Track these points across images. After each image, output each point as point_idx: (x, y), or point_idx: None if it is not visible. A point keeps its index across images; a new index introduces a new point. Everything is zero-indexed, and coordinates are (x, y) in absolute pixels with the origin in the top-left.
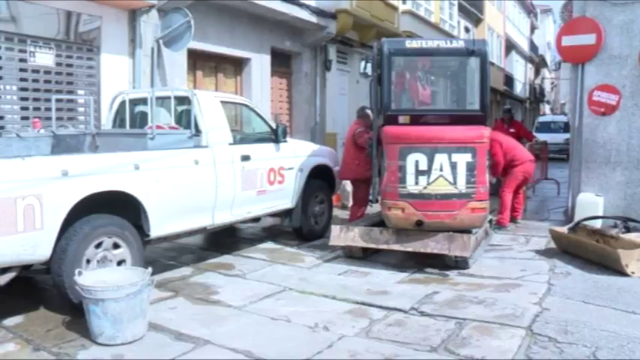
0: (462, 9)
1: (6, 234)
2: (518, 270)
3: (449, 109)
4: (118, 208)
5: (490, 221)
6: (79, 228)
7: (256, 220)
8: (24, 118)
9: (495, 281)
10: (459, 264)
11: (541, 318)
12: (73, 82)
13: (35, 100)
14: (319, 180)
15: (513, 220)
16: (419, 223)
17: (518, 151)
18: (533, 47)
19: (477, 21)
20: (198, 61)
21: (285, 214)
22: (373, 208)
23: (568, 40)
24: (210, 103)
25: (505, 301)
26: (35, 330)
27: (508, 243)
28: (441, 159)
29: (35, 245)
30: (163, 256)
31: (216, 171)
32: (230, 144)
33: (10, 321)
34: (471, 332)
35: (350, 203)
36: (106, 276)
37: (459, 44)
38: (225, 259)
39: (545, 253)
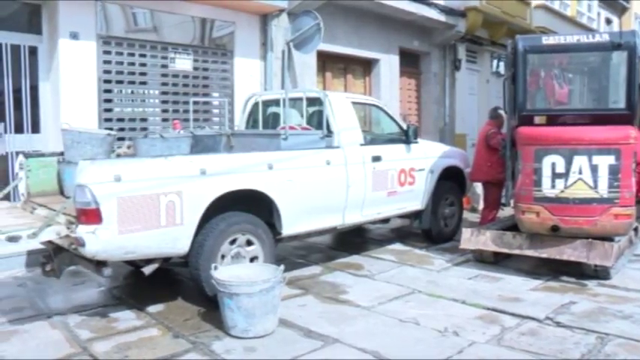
0: None
1: (151, 228)
2: None
3: (590, 109)
4: (251, 207)
5: (636, 229)
6: (215, 224)
7: (385, 221)
8: (164, 119)
9: None
10: (599, 273)
11: None
12: (209, 85)
13: (174, 102)
14: (450, 182)
15: None
16: (554, 229)
17: None
18: None
19: (621, 10)
20: (327, 62)
21: (415, 215)
22: (504, 212)
23: None
24: (341, 104)
25: None
26: (174, 318)
27: None
28: (580, 161)
29: (175, 239)
30: (293, 255)
31: (348, 171)
32: (361, 145)
33: (153, 308)
34: (616, 349)
35: (480, 206)
36: (240, 271)
37: (603, 38)
38: (354, 259)
39: None
